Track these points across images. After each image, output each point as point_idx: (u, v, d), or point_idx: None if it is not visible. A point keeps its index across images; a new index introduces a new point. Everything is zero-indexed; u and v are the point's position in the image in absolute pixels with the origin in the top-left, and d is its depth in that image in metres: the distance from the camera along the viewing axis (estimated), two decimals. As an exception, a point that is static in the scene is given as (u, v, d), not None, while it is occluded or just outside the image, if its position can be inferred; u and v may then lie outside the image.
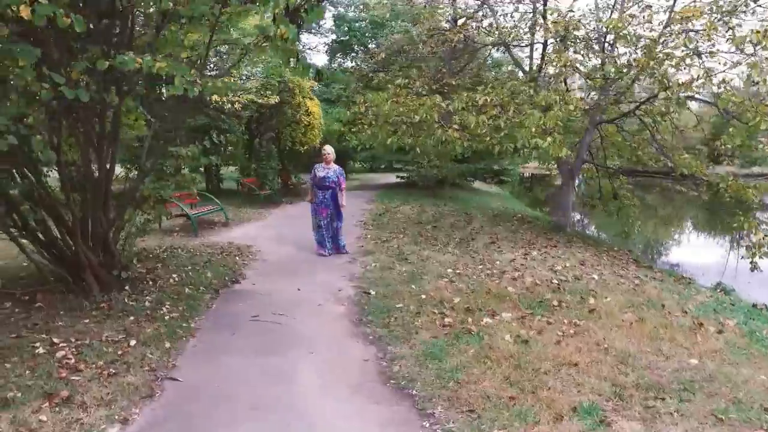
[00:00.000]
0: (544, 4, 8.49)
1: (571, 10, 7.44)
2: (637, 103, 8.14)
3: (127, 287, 5.25)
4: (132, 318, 4.57)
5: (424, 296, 5.36)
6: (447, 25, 11.55)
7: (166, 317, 4.61)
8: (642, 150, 8.79)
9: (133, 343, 4.06)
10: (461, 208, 12.03)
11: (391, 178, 20.28)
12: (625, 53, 8.37)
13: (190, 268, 6.23)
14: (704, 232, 16.27)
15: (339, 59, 23.37)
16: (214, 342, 4.22)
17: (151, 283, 5.49)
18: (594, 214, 15.01)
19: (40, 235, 4.93)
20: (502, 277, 6.15)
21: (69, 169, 4.69)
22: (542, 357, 3.87)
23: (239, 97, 9.33)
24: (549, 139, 6.22)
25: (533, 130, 6.42)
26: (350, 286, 5.82)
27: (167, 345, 4.07)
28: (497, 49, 10.32)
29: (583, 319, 4.72)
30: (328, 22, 22.54)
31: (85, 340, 4.06)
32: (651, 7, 7.38)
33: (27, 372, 3.56)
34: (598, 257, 7.63)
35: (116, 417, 3.05)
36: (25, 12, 3.07)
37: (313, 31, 23.63)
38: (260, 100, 10.37)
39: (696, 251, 12.61)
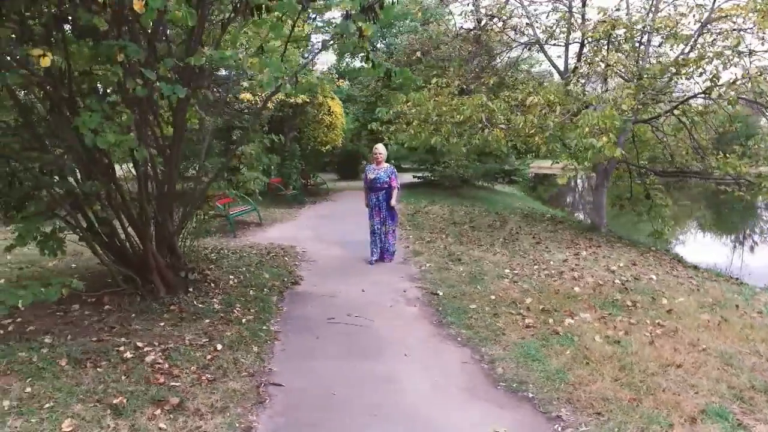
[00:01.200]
0: (583, 5, 8.46)
1: (618, 9, 7.43)
2: (675, 103, 8.13)
3: (190, 289, 5.11)
4: (207, 321, 4.44)
5: (493, 297, 5.28)
6: (470, 25, 11.50)
7: (243, 320, 4.48)
8: (682, 150, 8.76)
9: (219, 347, 3.93)
10: (489, 208, 11.96)
11: (406, 177, 20.19)
12: (664, 53, 8.37)
13: (244, 269, 6.10)
14: (728, 233, 16.29)
15: (347, 59, 23.26)
16: (300, 345, 4.10)
17: (212, 285, 5.36)
18: (612, 214, 15.03)
19: (104, 236, 4.79)
20: (561, 277, 6.08)
21: (142, 168, 4.55)
22: (643, 358, 3.80)
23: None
24: (605, 139, 6.18)
25: (587, 129, 6.37)
26: (413, 287, 5.72)
27: (255, 349, 3.95)
28: (528, 48, 10.27)
29: (666, 320, 4.66)
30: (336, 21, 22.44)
31: (169, 343, 3.93)
32: (697, 5, 7.37)
33: (123, 377, 3.43)
34: (644, 257, 7.60)
35: (237, 425, 2.92)
36: (138, 5, 2.95)
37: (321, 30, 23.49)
38: (290, 99, 10.25)
39: (728, 251, 12.63)
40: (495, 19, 9.60)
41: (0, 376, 3.40)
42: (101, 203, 4.40)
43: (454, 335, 4.36)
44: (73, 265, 6.30)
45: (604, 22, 7.27)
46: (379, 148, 6.63)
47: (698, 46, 7.55)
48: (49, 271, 5.90)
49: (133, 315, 4.51)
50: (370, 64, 4.67)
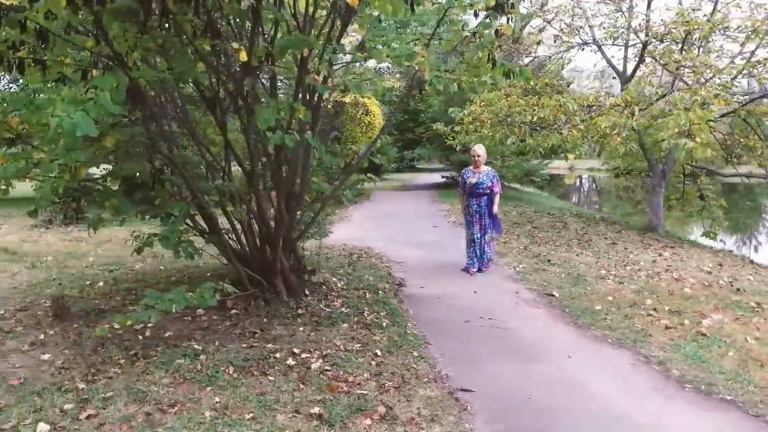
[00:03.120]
0: (648, 6, 8.47)
1: (698, 8, 7.43)
2: (744, 101, 8.15)
3: (306, 291, 4.98)
4: (345, 325, 4.30)
5: (610, 298, 5.22)
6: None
7: (383, 324, 4.36)
8: (757, 151, 8.76)
9: (378, 352, 3.80)
10: (536, 209, 11.94)
11: (426, 177, 20.16)
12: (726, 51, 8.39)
13: (341, 271, 5.95)
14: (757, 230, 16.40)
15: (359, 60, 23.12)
16: (456, 349, 3.98)
17: (323, 287, 5.22)
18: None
19: (227, 238, 4.64)
20: (660, 277, 6.05)
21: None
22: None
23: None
24: (698, 139, 6.16)
25: (676, 130, 6.35)
26: (522, 288, 5.63)
27: (416, 354, 3.83)
28: (581, 49, 10.27)
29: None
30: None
31: (324, 350, 3.78)
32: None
33: (301, 385, 3.28)
34: (721, 258, 7.61)
35: (460, 433, 2.82)
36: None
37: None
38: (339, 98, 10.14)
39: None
40: (554, 21, 9.59)
41: (176, 384, 3.26)
42: (240, 204, 4.25)
43: (601, 336, 4.28)
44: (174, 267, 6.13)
45: (688, 22, 7.26)
46: (478, 149, 6.14)
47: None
48: (163, 277, 5.74)
49: (265, 320, 4.36)
50: (491, 64, 4.60)
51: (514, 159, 13.18)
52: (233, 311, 4.52)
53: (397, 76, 12.02)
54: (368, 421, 2.88)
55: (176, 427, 2.78)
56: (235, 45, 2.91)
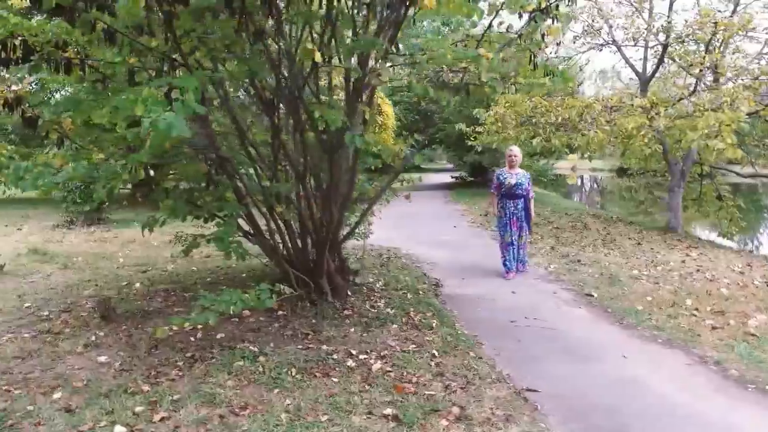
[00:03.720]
0: (670, 8, 8.51)
1: (723, 9, 7.45)
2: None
3: (349, 292, 4.97)
4: (395, 326, 4.29)
5: (649, 298, 5.23)
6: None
7: (432, 324, 4.35)
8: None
9: (435, 353, 3.80)
10: (549, 208, 11.98)
11: (434, 178, 20.16)
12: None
13: (376, 271, 5.95)
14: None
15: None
16: (510, 349, 3.98)
17: (365, 288, 5.21)
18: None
19: (271, 240, 4.63)
20: (693, 277, 6.07)
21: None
22: None
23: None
24: (728, 140, 6.19)
25: (705, 131, 6.37)
26: (559, 288, 5.63)
27: (472, 354, 3.83)
28: (599, 50, 10.30)
29: None
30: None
31: (381, 351, 3.77)
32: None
33: (367, 386, 3.28)
34: (746, 258, 7.65)
35: (539, 434, 2.82)
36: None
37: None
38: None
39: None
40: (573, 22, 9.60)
41: (242, 386, 3.24)
42: (289, 205, 4.24)
43: (650, 336, 4.29)
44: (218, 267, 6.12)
45: (716, 23, 7.29)
46: (515, 150, 6.08)
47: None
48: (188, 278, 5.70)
49: (314, 321, 4.35)
50: (533, 66, 4.60)
51: (526, 159, 13.20)
52: (280, 312, 4.51)
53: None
54: (444, 422, 2.87)
55: (254, 429, 2.77)
56: (309, 45, 2.90)
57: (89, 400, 3.05)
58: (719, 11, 8.00)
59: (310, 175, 4.13)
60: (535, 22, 4.30)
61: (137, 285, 5.47)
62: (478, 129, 8.93)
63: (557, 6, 4.30)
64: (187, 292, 5.21)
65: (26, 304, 4.76)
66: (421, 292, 5.25)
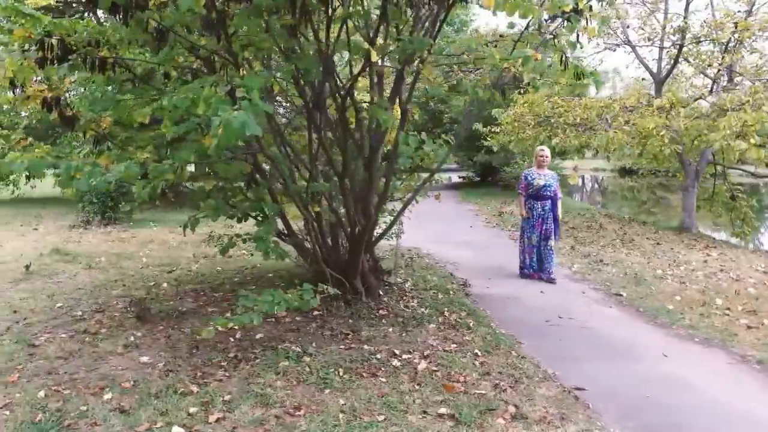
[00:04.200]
0: (686, 8, 8.54)
1: (746, 11, 7.47)
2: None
3: (381, 292, 4.97)
4: (432, 325, 4.30)
5: (678, 298, 5.24)
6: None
7: (469, 323, 4.36)
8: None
9: (477, 352, 3.79)
10: (566, 209, 11.98)
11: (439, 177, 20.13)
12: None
13: (402, 271, 5.95)
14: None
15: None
16: (550, 348, 3.97)
17: (395, 288, 5.21)
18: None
19: (305, 239, 4.62)
20: (719, 277, 6.08)
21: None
22: None
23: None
24: (752, 141, 6.20)
25: (728, 132, 6.39)
26: (587, 288, 5.64)
27: (514, 353, 3.82)
28: (613, 50, 10.34)
29: None
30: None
31: (423, 351, 3.77)
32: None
33: (416, 386, 3.27)
34: (765, 258, 7.68)
35: (597, 432, 2.82)
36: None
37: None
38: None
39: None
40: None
41: (292, 386, 3.24)
42: (329, 202, 4.23)
43: (686, 336, 4.29)
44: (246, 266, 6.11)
45: (737, 23, 7.31)
46: (547, 150, 5.97)
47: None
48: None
49: (351, 320, 4.34)
50: (563, 66, 4.60)
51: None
52: (316, 312, 4.49)
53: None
54: (501, 421, 2.87)
55: (312, 429, 2.77)
56: (366, 45, 2.89)
57: (140, 401, 3.03)
58: (741, 11, 8.02)
59: (349, 175, 4.12)
60: (571, 22, 4.31)
61: (164, 285, 5.45)
62: (495, 129, 8.93)
63: (590, 7, 4.32)
64: (216, 292, 5.19)
65: (58, 304, 4.74)
66: (451, 292, 5.25)
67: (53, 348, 3.79)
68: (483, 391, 3.21)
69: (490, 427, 2.82)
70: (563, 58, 4.86)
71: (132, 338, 3.99)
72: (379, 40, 3.66)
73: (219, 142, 2.37)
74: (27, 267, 5.75)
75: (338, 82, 3.54)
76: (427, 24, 3.92)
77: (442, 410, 2.97)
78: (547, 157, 5.98)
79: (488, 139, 9.26)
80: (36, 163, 3.13)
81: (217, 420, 2.87)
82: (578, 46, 4.63)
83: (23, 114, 11.78)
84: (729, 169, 10.13)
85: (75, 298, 4.95)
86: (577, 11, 4.25)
